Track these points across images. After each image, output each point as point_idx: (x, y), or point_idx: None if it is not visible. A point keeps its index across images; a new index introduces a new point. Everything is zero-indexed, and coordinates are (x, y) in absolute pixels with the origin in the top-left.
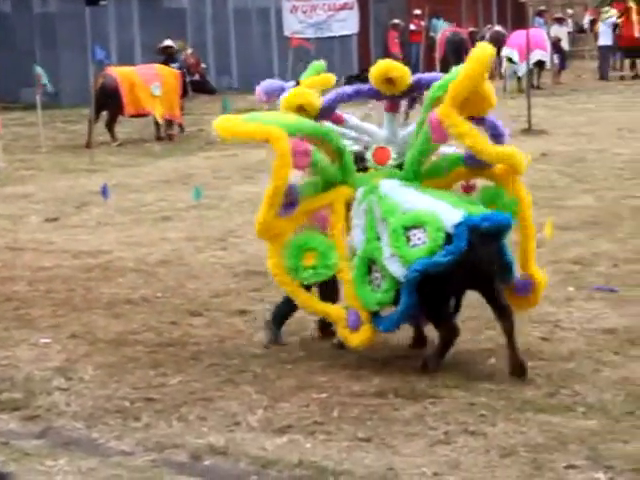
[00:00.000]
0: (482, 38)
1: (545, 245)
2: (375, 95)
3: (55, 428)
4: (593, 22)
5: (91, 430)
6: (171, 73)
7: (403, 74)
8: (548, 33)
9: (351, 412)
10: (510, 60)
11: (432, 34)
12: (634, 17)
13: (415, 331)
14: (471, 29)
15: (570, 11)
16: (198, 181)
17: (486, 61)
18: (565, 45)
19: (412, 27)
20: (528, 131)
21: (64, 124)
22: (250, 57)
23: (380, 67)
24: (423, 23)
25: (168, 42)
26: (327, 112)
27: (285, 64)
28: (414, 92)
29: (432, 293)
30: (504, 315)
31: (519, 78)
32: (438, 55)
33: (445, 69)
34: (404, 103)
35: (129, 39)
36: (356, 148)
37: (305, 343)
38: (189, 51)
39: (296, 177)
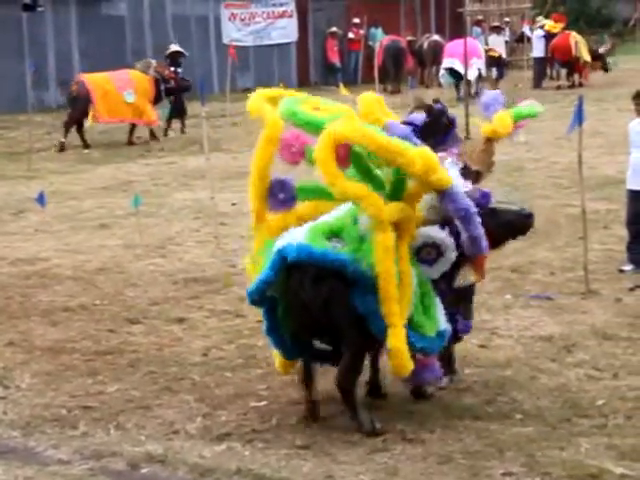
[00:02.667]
0: (420, 47)
1: None
2: None
3: None
4: (533, 31)
5: (28, 439)
6: (144, 79)
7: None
8: (486, 42)
9: (290, 420)
10: (451, 70)
11: (370, 43)
12: (572, 40)
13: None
14: (409, 38)
15: (507, 20)
16: (137, 188)
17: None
18: (502, 54)
19: (350, 35)
20: (466, 140)
21: (1, 130)
22: (189, 64)
23: None
24: (362, 31)
25: (175, 47)
26: None
27: (224, 71)
28: None
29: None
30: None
31: (457, 87)
32: (377, 64)
33: (384, 78)
34: None
35: (67, 45)
36: None
37: (244, 351)
38: (154, 63)
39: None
